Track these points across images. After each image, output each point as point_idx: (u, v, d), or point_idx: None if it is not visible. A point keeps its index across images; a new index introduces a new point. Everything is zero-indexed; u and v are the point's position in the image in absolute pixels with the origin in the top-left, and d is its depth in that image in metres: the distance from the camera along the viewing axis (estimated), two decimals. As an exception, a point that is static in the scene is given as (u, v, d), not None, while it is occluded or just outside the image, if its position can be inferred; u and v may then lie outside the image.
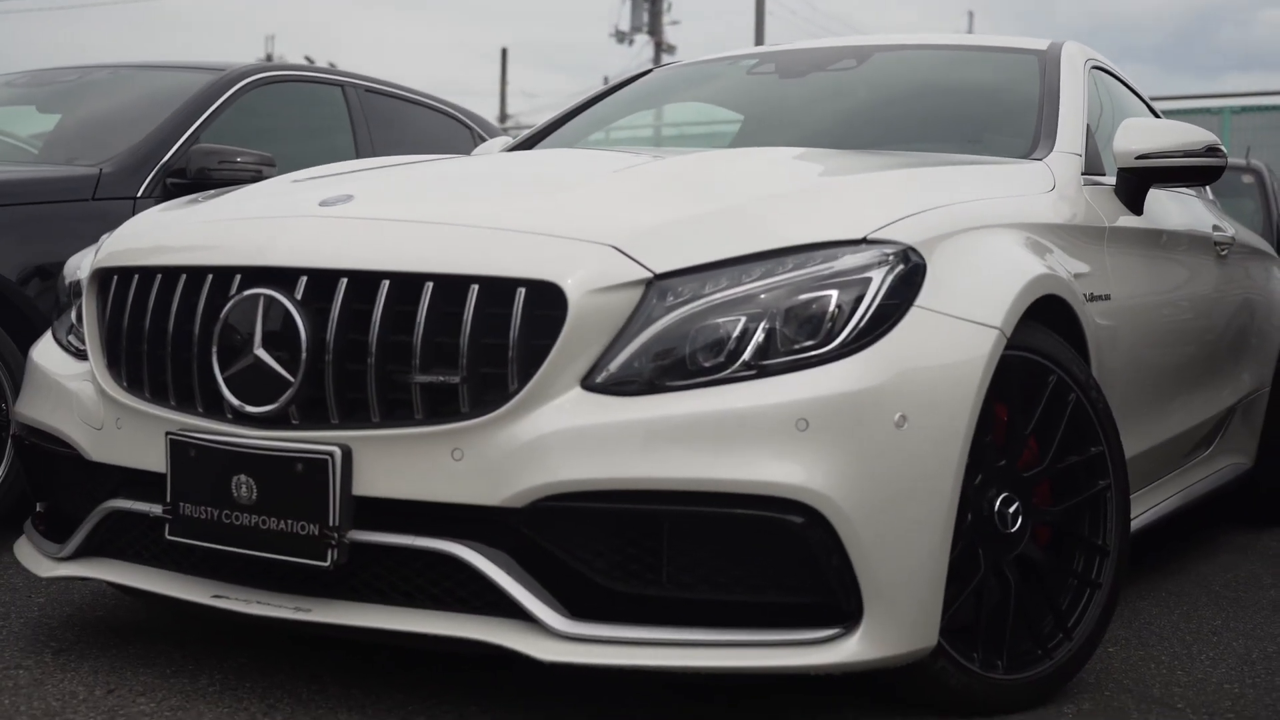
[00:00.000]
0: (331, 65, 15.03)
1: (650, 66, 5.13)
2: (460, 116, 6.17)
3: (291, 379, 2.39)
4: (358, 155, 5.28)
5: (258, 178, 4.38)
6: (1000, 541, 2.56)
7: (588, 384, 2.30)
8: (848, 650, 2.26)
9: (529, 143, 4.32)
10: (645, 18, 36.32)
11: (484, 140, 5.83)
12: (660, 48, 35.83)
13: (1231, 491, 4.52)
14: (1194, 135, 3.43)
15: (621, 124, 4.51)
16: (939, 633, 2.37)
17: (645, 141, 5.36)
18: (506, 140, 4.60)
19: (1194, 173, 3.46)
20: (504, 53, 42.75)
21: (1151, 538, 4.19)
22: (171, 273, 2.61)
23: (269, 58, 37.10)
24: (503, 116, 37.47)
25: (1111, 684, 2.81)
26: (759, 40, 28.10)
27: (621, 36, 36.48)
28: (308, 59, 33.29)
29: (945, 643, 2.42)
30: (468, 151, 5.36)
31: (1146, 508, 3.56)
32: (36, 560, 2.86)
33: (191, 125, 4.67)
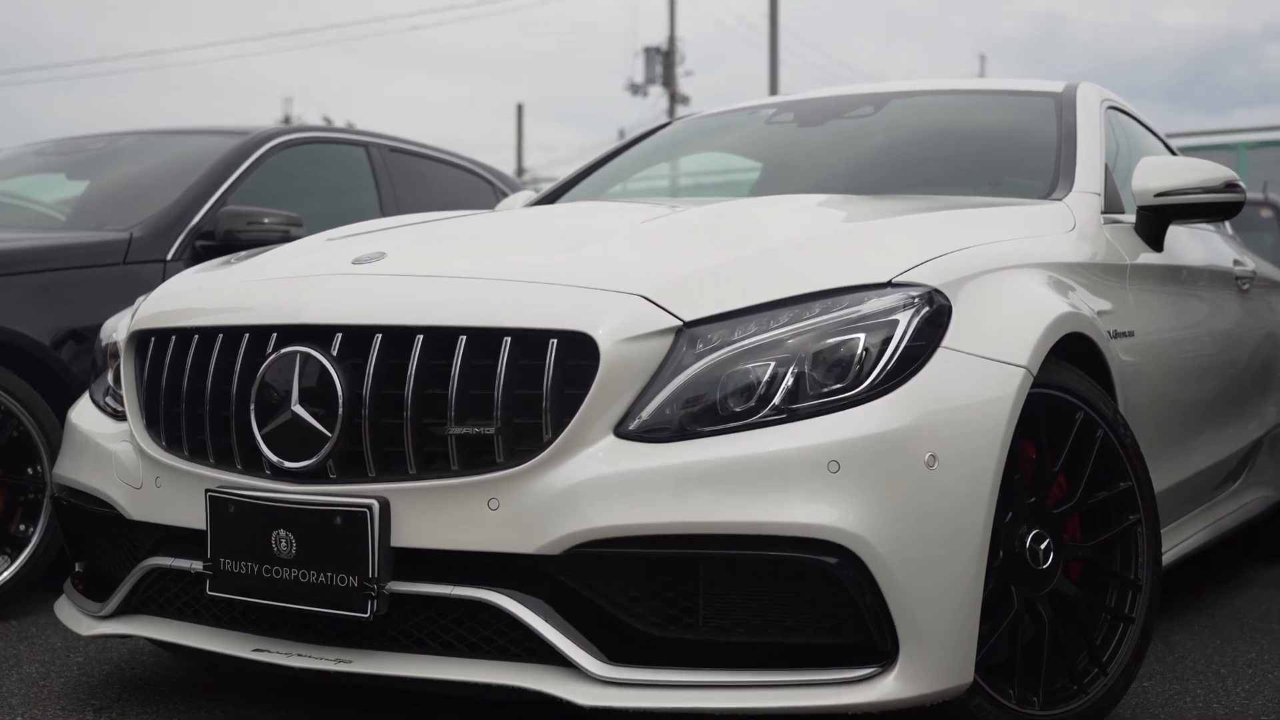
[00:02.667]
0: (350, 125, 15.19)
1: (667, 119, 5.19)
2: (481, 172, 6.24)
3: (329, 434, 2.43)
4: (383, 213, 5.34)
5: (285, 238, 4.44)
6: (1032, 578, 2.57)
7: (621, 431, 2.33)
8: (885, 689, 2.27)
9: (552, 197, 4.38)
10: (659, 70, 36.56)
11: (505, 195, 5.90)
12: (674, 99, 36.06)
13: (1261, 524, 4.52)
14: (1212, 171, 3.46)
15: (639, 176, 4.56)
16: (975, 670, 2.38)
17: (662, 192, 5.40)
18: (530, 195, 4.66)
19: (1213, 209, 3.48)
20: (519, 108, 43.06)
21: (1182, 572, 4.19)
22: (208, 333, 2.66)
23: (287, 119, 37.44)
24: (519, 170, 37.70)
25: (1148, 718, 2.81)
26: (773, 89, 28.27)
27: (636, 89, 36.72)
28: (326, 119, 33.60)
29: (981, 680, 2.43)
30: (490, 206, 5.42)
31: (1176, 542, 3.57)
32: (77, 619, 2.90)
33: (219, 188, 4.74)
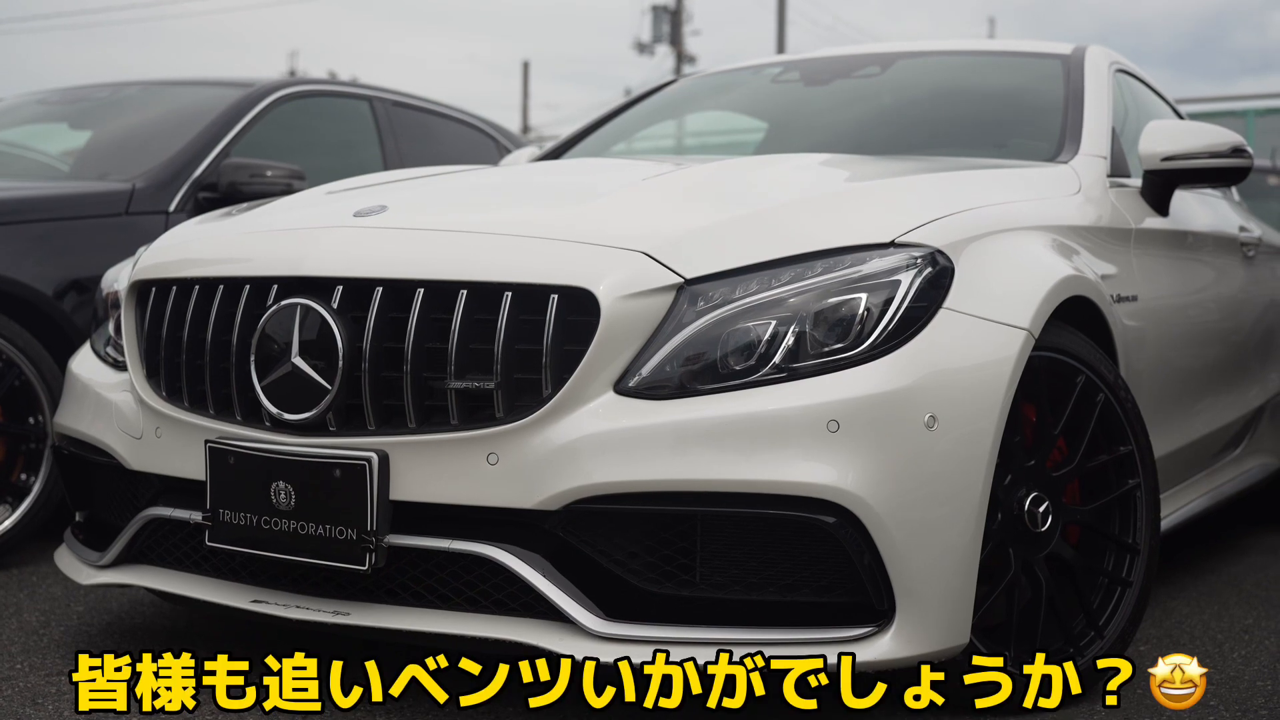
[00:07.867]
0: (355, 80, 15.11)
1: (673, 77, 5.16)
2: (485, 128, 6.22)
3: (329, 386, 2.43)
4: (386, 168, 5.32)
5: (288, 191, 4.43)
6: (1030, 540, 2.58)
7: (620, 388, 2.33)
8: (881, 649, 2.28)
9: (556, 153, 4.36)
10: (666, 29, 36.38)
11: (509, 152, 5.87)
12: (681, 58, 35.89)
13: (1260, 492, 4.52)
14: (1220, 136, 3.44)
15: (643, 134, 4.54)
16: (971, 631, 2.39)
17: (667, 150, 5.36)
18: (534, 151, 4.64)
19: (1220, 174, 3.47)
20: (525, 66, 42.92)
21: (1181, 538, 4.20)
22: (209, 284, 2.65)
23: (292, 73, 37.27)
24: (525, 128, 37.58)
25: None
26: (780, 49, 28.14)
27: (642, 48, 36.56)
28: (331, 74, 33.46)
29: (977, 641, 2.44)
30: (494, 162, 5.40)
31: (1176, 508, 3.57)
32: (77, 568, 2.91)
33: (222, 140, 4.72)
